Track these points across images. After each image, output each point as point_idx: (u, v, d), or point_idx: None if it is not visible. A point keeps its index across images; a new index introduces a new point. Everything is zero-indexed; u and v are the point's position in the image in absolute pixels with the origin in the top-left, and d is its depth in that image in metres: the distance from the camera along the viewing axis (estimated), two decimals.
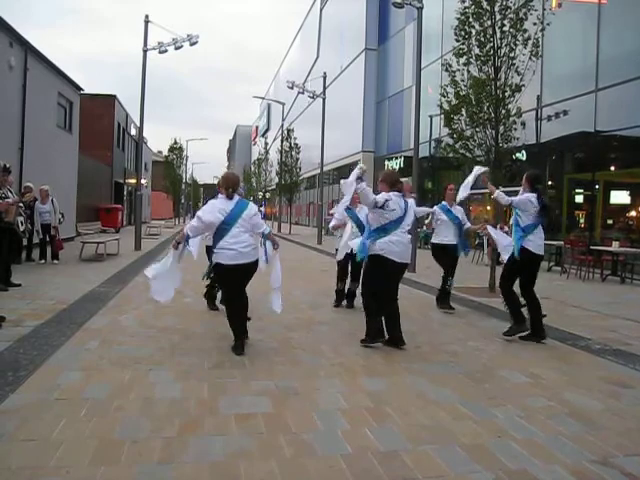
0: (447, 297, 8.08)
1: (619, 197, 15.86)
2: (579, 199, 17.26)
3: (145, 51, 17.73)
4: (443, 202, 8.18)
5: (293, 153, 35.52)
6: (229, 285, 5.49)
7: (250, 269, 5.39)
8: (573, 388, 4.48)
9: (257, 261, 5.41)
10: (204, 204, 5.68)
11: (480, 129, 9.57)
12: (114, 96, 33.42)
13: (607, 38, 15.03)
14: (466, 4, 9.43)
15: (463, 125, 9.76)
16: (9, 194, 9.13)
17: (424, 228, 8.03)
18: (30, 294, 8.14)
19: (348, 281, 7.97)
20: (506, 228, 6.84)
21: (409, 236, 5.78)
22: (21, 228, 9.64)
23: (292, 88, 29.53)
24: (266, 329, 6.38)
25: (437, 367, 5.03)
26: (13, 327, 5.92)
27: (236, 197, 5.46)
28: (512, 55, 9.29)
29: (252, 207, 5.51)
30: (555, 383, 4.60)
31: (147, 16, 17.61)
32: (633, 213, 15.11)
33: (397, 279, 5.83)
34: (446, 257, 8.08)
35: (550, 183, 17.63)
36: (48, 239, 12.65)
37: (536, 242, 6.18)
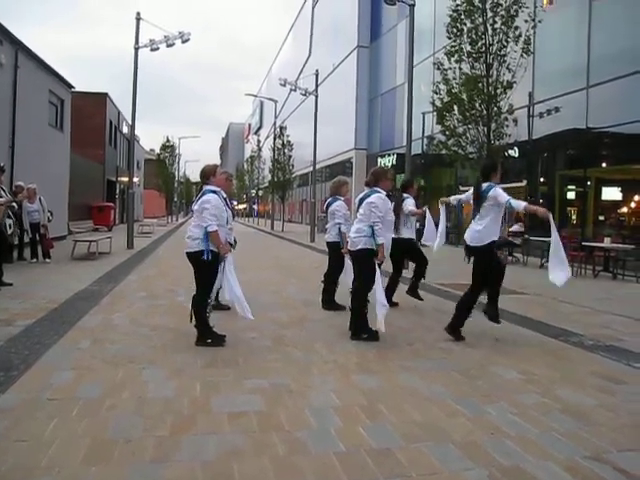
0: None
1: (611, 193, 15.94)
2: (571, 196, 17.34)
3: (137, 49, 17.64)
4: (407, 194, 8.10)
5: (286, 151, 35.41)
6: None
7: (190, 258, 5.52)
8: (566, 384, 4.49)
9: (195, 253, 5.41)
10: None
11: (472, 126, 9.60)
12: (106, 94, 33.28)
13: (598, 35, 15.07)
14: (458, 1, 9.44)
15: (455, 122, 9.78)
16: (2, 193, 9.07)
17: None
18: (22, 293, 8.09)
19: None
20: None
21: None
22: (9, 231, 9.51)
23: (284, 86, 29.48)
24: (259, 327, 6.36)
25: (430, 364, 5.03)
26: (4, 327, 5.88)
27: (203, 188, 5.64)
28: (503, 52, 9.31)
29: (202, 198, 5.47)
30: (548, 379, 4.61)
31: (138, 13, 17.53)
32: (624, 209, 15.18)
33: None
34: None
35: (542, 180, 17.70)
36: (38, 238, 12.57)
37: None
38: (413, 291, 8.07)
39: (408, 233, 7.94)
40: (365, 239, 5.81)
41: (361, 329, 5.90)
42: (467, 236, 6.11)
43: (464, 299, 6.06)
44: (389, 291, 7.79)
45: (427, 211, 7.77)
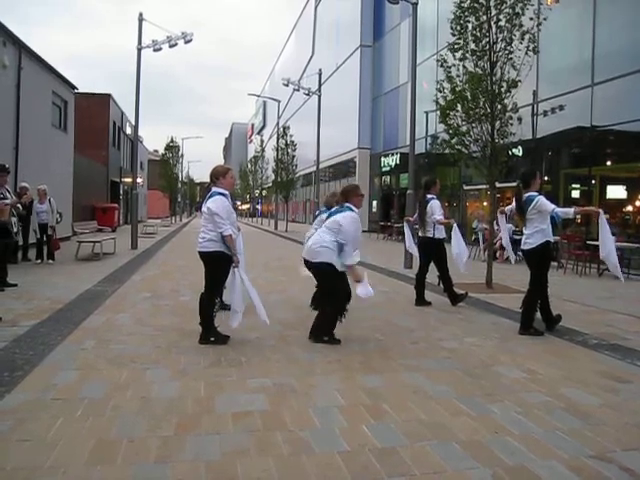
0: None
1: (615, 192, 15.86)
2: (575, 194, 17.27)
3: (139, 49, 17.67)
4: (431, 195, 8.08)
5: (289, 150, 35.39)
6: None
7: (204, 258, 5.59)
8: (570, 383, 4.48)
9: (206, 253, 5.49)
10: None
11: (476, 125, 9.52)
12: (109, 95, 33.31)
13: (603, 32, 15.01)
14: None
15: (459, 121, 9.72)
16: (7, 194, 9.09)
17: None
18: (26, 294, 8.12)
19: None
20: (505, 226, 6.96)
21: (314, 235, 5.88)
22: (14, 230, 9.53)
23: (287, 85, 29.51)
24: (262, 327, 6.33)
25: (434, 363, 5.02)
26: (9, 327, 5.91)
27: (212, 190, 5.61)
28: (508, 50, 9.25)
29: (210, 200, 5.47)
30: (552, 378, 4.60)
31: (141, 14, 17.57)
32: (629, 208, 15.12)
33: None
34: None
35: (546, 178, 17.64)
36: (45, 239, 12.62)
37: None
38: (421, 299, 8.15)
39: (438, 232, 7.97)
40: (329, 253, 5.51)
41: (322, 331, 5.72)
42: (522, 244, 6.39)
43: (526, 299, 6.28)
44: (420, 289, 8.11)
45: (455, 225, 7.61)
